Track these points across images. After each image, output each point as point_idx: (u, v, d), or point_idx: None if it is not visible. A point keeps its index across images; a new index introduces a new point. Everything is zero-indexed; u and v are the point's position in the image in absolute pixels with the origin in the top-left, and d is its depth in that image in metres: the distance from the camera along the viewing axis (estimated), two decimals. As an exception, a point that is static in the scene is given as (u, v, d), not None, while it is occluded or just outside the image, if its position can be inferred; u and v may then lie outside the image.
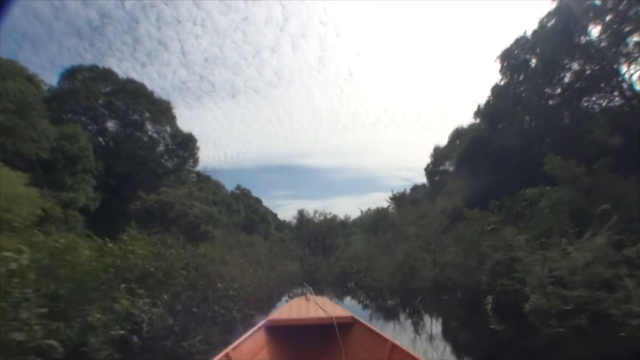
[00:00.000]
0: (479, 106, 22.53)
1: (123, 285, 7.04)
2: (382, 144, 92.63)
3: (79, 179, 20.92)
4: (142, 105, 27.46)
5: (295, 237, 36.55)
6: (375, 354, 3.90)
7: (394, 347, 3.71)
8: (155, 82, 56.49)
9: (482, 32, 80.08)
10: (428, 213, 16.65)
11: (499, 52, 20.43)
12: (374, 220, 20.64)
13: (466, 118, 42.72)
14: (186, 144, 29.42)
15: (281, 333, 4.72)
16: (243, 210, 49.13)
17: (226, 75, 75.62)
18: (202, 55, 70.83)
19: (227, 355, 3.57)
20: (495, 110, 19.18)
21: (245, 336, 4.14)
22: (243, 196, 54.56)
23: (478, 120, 23.08)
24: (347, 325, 4.67)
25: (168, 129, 30.06)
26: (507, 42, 20.57)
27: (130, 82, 29.05)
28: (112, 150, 29.20)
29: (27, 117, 18.77)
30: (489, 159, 17.30)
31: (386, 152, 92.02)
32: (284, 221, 47.89)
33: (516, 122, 17.46)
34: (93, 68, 29.91)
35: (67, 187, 20.25)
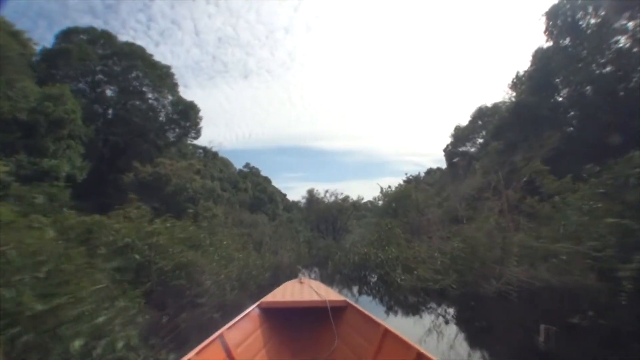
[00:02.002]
0: (517, 74, 19.87)
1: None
2: (394, 128, 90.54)
3: (63, 145, 18.74)
4: (139, 69, 24.94)
5: (304, 218, 34.09)
6: (368, 337, 3.96)
7: (386, 331, 3.74)
8: (169, 61, 55.06)
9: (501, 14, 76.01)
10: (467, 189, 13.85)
11: (545, 9, 17.58)
12: (396, 200, 17.91)
13: (482, 101, 40.20)
14: (187, 113, 26.97)
15: (274, 315, 4.73)
16: (250, 189, 47.17)
17: (239, 56, 74.32)
18: (215, 35, 69.62)
19: (221, 335, 3.60)
20: (541, 75, 16.36)
21: (239, 317, 4.14)
22: (251, 175, 52.56)
23: (513, 94, 20.44)
24: (340, 309, 4.70)
25: (169, 97, 27.64)
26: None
27: (128, 45, 26.56)
28: (108, 118, 27.06)
29: (3, 73, 16.56)
30: (535, 128, 14.56)
31: (398, 136, 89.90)
32: (293, 202, 45.62)
33: (569, 85, 14.64)
34: (90, 30, 27.53)
35: (50, 153, 18.10)
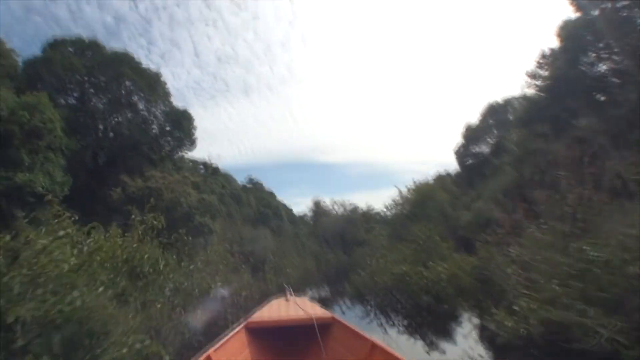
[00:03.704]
0: (542, 53, 18.02)
1: None
2: (396, 138, 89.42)
3: (40, 158, 16.82)
4: (127, 77, 23.16)
5: (311, 232, 31.77)
6: (356, 352, 3.88)
7: (374, 345, 3.65)
8: (170, 83, 57.95)
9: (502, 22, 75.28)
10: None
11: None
12: (419, 203, 15.44)
13: (483, 101, 39.07)
14: (180, 123, 25.05)
15: (261, 333, 4.64)
16: (254, 204, 45.18)
17: (239, 73, 75.02)
18: (215, 55, 70.69)
19: (208, 357, 3.49)
20: (578, 46, 14.47)
21: (226, 337, 4.02)
22: (255, 189, 50.61)
23: (532, 82, 18.53)
24: (327, 325, 4.60)
25: (162, 106, 25.82)
26: None
27: (115, 53, 24.90)
28: (97, 131, 25.27)
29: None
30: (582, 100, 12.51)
31: (400, 146, 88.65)
32: (299, 215, 43.46)
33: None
34: (77, 40, 25.95)
35: (25, 167, 16.19)
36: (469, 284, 8.03)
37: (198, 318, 5.71)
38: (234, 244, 19.87)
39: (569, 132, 11.78)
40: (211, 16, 68.45)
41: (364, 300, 9.98)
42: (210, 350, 3.56)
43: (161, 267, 5.96)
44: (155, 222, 6.78)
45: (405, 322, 8.18)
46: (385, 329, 8.24)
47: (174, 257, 7.31)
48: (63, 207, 5.55)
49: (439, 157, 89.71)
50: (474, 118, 37.71)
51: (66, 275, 3.86)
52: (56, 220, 5.78)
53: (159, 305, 5.04)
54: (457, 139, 37.38)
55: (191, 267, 7.44)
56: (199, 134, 26.33)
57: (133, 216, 6.72)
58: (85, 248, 4.74)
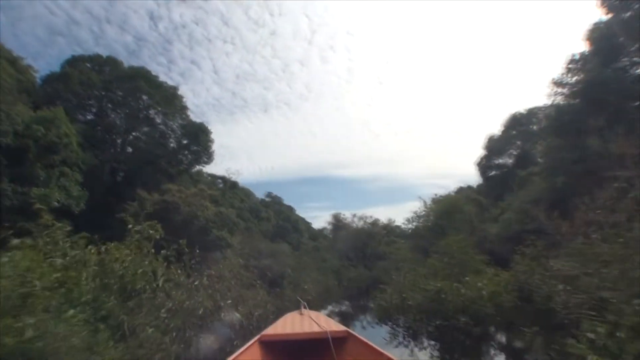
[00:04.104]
0: (572, 58, 17.06)
1: None
2: (416, 151, 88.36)
3: (56, 173, 16.63)
4: (143, 91, 23.10)
5: (331, 246, 30.84)
6: None
7: None
8: (190, 100, 59.08)
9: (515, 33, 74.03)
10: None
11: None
12: (444, 214, 14.19)
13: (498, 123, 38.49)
14: (197, 136, 24.77)
15: (275, 348, 4.56)
16: (273, 218, 44.61)
17: (257, 90, 75.97)
18: (234, 72, 71.98)
19: None
20: (611, 47, 13.45)
21: (239, 351, 3.95)
22: (273, 203, 50.14)
23: (558, 90, 17.58)
24: (341, 340, 4.50)
25: (179, 120, 25.67)
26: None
27: (132, 68, 25.01)
28: (115, 146, 25.27)
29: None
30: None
31: (420, 160, 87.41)
32: (319, 230, 42.59)
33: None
34: (95, 57, 26.27)
35: (40, 182, 16.01)
36: (509, 302, 6.97)
37: (198, 345, 4.95)
38: (250, 258, 19.20)
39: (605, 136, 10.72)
40: (229, 33, 69.64)
41: (390, 319, 8.79)
42: None
43: (160, 283, 5.24)
44: (152, 232, 6.07)
45: (439, 346, 7.12)
46: (413, 352, 7.25)
47: (179, 271, 6.56)
48: (75, 222, 4.97)
49: (459, 171, 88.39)
50: (495, 129, 36.66)
51: (36, 295, 3.18)
52: (45, 232, 5.20)
53: (150, 330, 4.31)
54: (478, 152, 36.29)
55: (196, 283, 6.63)
56: (218, 150, 26.22)
57: (130, 226, 6.05)
58: (61, 262, 4.03)
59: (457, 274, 8.25)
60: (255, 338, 4.47)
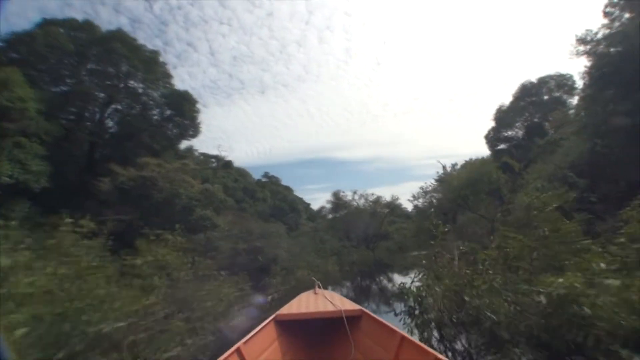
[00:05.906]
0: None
1: None
2: (414, 132, 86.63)
3: (9, 144, 14.36)
4: (118, 53, 20.50)
5: (330, 226, 28.75)
6: (385, 346, 3.78)
7: (403, 339, 3.56)
8: (187, 82, 59.67)
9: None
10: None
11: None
12: (470, 182, 11.61)
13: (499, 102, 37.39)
14: (181, 106, 22.30)
15: (290, 327, 4.58)
16: (270, 198, 42.53)
17: (255, 72, 74.01)
18: (230, 54, 70.15)
19: (238, 349, 3.49)
20: None
21: (255, 331, 3.98)
22: (270, 184, 48.00)
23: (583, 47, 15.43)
24: (356, 319, 4.48)
25: (162, 89, 23.19)
26: None
27: (108, 31, 22.40)
28: (92, 119, 22.88)
29: None
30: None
31: (418, 140, 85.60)
32: (318, 210, 40.56)
33: None
34: (70, 20, 23.59)
35: (-12, 154, 13.77)
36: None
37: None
38: (239, 240, 17.12)
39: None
40: (226, 14, 66.87)
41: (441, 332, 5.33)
42: (240, 343, 3.48)
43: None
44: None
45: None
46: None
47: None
48: (39, 201, 2.87)
49: (459, 151, 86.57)
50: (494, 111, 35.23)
51: None
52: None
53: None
54: (478, 133, 34.77)
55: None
56: (216, 133, 23.98)
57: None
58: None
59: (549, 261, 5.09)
60: (271, 318, 4.40)
